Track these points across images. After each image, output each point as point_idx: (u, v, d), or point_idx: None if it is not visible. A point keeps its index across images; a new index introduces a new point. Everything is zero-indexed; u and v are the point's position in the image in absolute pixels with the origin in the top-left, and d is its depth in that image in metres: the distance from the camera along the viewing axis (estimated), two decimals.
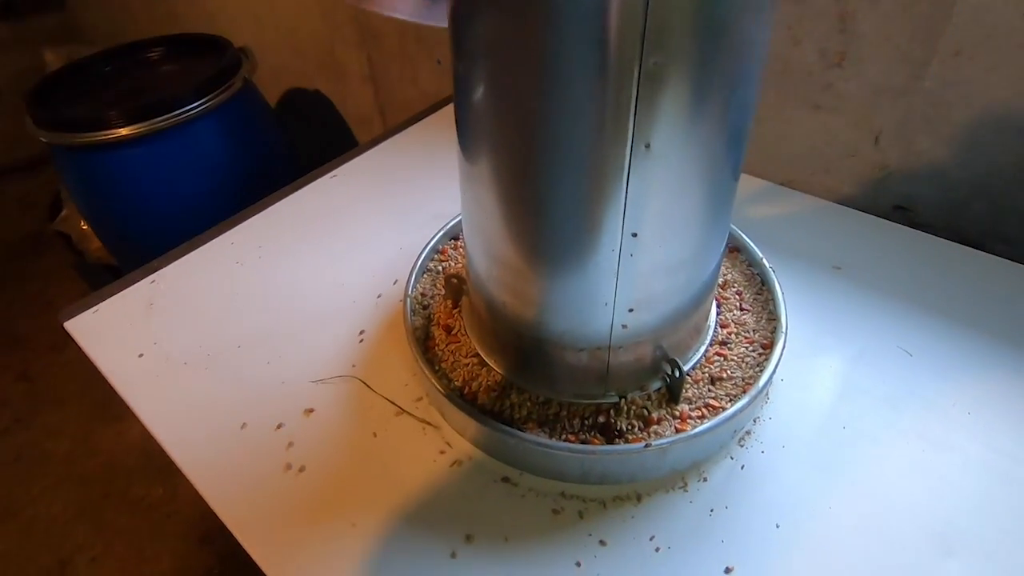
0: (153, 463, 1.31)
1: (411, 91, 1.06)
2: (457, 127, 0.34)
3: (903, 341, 0.47)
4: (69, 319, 0.54)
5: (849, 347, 0.47)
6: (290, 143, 1.14)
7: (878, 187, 0.65)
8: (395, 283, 0.55)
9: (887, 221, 0.62)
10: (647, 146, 0.27)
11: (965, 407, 0.42)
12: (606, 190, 0.29)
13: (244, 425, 0.44)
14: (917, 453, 0.40)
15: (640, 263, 0.32)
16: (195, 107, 0.91)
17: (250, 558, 0.37)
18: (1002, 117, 0.55)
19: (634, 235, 0.31)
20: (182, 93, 0.91)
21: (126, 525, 1.20)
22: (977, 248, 0.57)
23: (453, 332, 0.45)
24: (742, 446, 0.41)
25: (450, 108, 0.83)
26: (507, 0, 0.25)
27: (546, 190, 0.30)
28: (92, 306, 0.55)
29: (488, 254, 0.37)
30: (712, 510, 0.38)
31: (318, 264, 0.58)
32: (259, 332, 0.52)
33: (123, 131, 0.88)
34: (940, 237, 0.58)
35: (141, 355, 0.50)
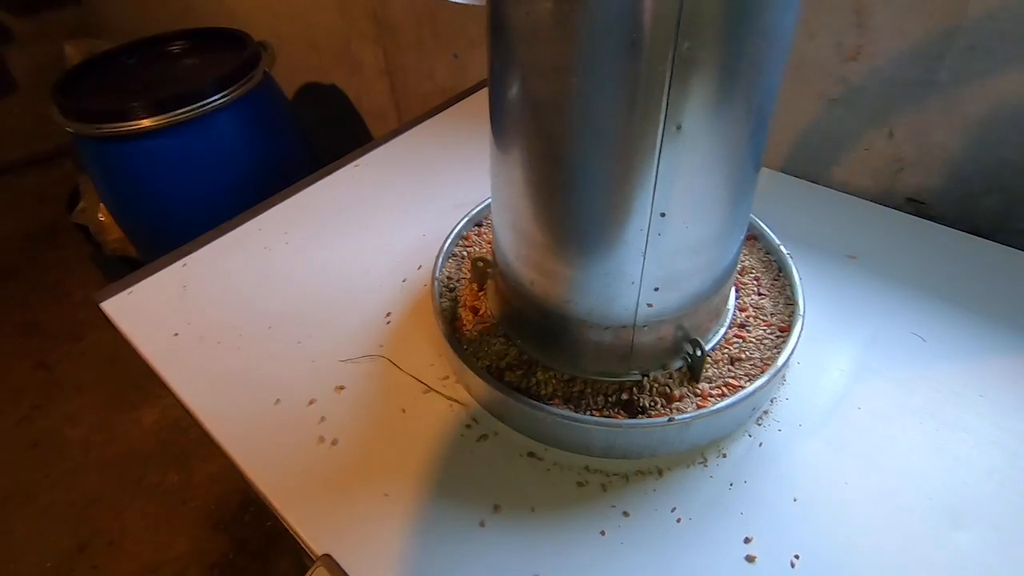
0: (169, 450, 1.33)
1: (427, 85, 1.07)
2: (491, 107, 0.36)
3: (916, 327, 0.48)
4: (105, 300, 0.56)
5: (863, 332, 0.48)
6: (306, 136, 1.16)
7: (892, 180, 0.66)
8: (419, 268, 0.57)
9: (901, 212, 0.63)
10: (678, 127, 0.29)
11: (977, 390, 0.44)
12: (637, 170, 0.30)
13: (278, 401, 0.46)
14: (930, 432, 0.41)
15: (667, 242, 0.33)
16: (216, 99, 0.93)
17: (287, 524, 0.39)
18: (1015, 111, 0.56)
19: (662, 215, 0.32)
20: (203, 86, 0.93)
21: (142, 510, 1.23)
22: (990, 239, 0.58)
23: (480, 313, 0.47)
24: (760, 424, 0.42)
25: (467, 102, 0.84)
26: None
27: (578, 170, 0.31)
28: (127, 288, 0.57)
29: (518, 233, 0.38)
30: (731, 484, 0.39)
31: (344, 249, 0.60)
32: (289, 313, 0.53)
33: (146, 122, 0.90)
34: (953, 228, 0.59)
35: (176, 334, 0.52)
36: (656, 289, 0.36)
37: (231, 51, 1.03)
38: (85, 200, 1.51)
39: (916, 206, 0.66)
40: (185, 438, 1.32)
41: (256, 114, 1.01)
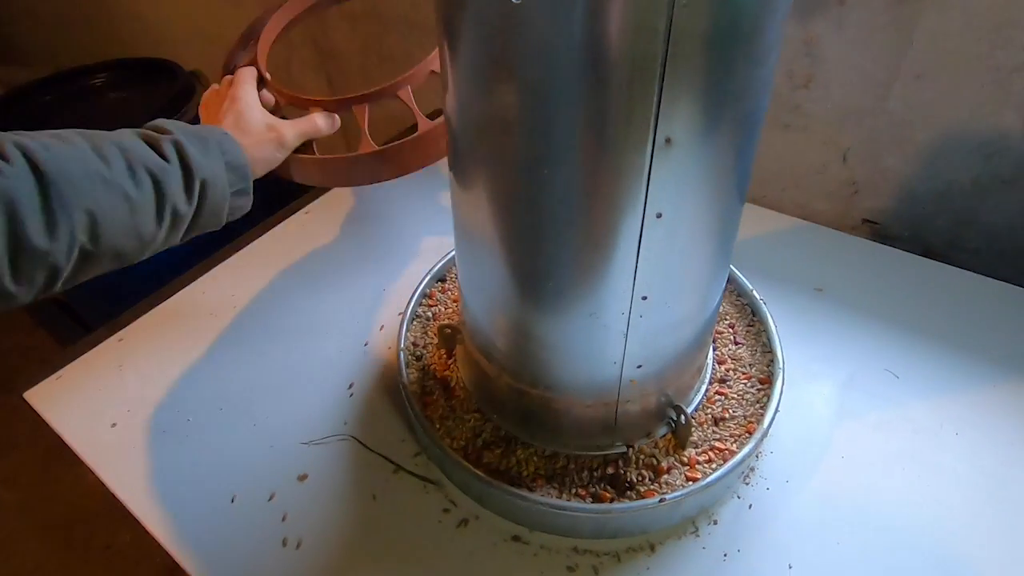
0: (118, 506, 1.24)
1: (376, 112, 1.03)
2: (454, 188, 0.33)
3: (889, 362, 0.49)
4: (30, 388, 0.50)
5: (839, 372, 0.48)
6: None
7: (847, 202, 0.67)
8: (382, 329, 0.54)
9: (860, 238, 0.64)
10: (659, 215, 0.27)
11: (952, 427, 0.44)
12: (617, 258, 0.28)
13: (234, 498, 0.42)
14: (912, 478, 0.41)
15: (649, 323, 0.32)
16: None
17: None
18: (961, 136, 0.57)
19: (644, 298, 0.30)
20: (134, 123, 0.86)
21: (92, 575, 1.14)
22: (942, 259, 0.59)
23: (451, 386, 0.44)
24: (747, 484, 0.41)
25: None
26: (506, 82, 0.24)
27: (558, 260, 0.29)
28: (55, 371, 0.51)
29: (490, 315, 0.36)
30: (725, 555, 0.38)
31: (298, 310, 0.56)
32: (241, 391, 0.49)
33: None
34: (908, 252, 0.61)
35: (114, 424, 0.47)
36: (639, 367, 0.34)
37: (161, 83, 0.96)
38: None
39: (871, 227, 0.67)
40: None
41: None
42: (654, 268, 0.29)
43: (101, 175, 0.33)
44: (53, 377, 0.51)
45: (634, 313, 0.31)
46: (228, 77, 0.52)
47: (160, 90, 0.94)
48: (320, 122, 0.50)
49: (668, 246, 0.29)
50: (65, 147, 0.33)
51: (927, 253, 0.61)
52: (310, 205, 0.68)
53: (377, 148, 0.48)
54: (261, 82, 0.53)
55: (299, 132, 0.48)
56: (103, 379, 0.51)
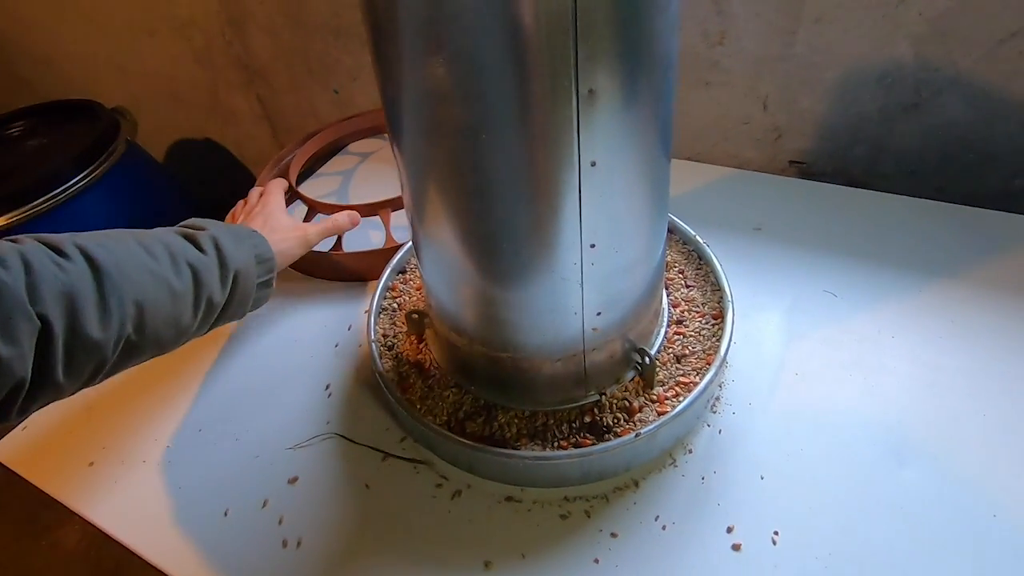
0: (102, 568, 1.20)
1: (311, 123, 1.03)
2: (402, 170, 0.34)
3: (827, 284, 0.53)
4: None
5: (783, 300, 0.52)
6: (189, 198, 1.08)
7: (773, 147, 0.71)
8: (350, 328, 0.54)
9: (790, 179, 0.68)
10: (593, 164, 0.29)
11: (889, 332, 0.48)
12: (562, 209, 0.30)
13: (227, 512, 0.42)
14: (859, 381, 0.45)
15: (601, 270, 0.34)
16: (77, 182, 0.84)
17: None
18: (863, 70, 0.62)
19: (592, 246, 0.32)
20: (59, 169, 0.83)
21: None
22: (865, 187, 0.64)
23: (426, 367, 0.45)
24: (715, 412, 0.44)
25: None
26: (433, 55, 0.26)
27: (505, 221, 0.31)
28: (20, 423, 0.50)
29: (453, 287, 0.37)
30: (703, 478, 0.41)
31: (267, 324, 0.56)
32: (219, 409, 0.49)
33: None
34: (833, 183, 0.65)
35: (91, 463, 0.46)
36: (599, 314, 0.36)
37: (83, 125, 0.93)
38: None
39: (799, 167, 0.71)
40: (120, 549, 1.19)
41: (126, 188, 0.92)
42: (597, 216, 0.31)
43: (149, 268, 0.35)
44: (19, 428, 0.50)
45: (586, 262, 0.33)
46: (257, 189, 0.56)
47: (82, 131, 0.91)
48: (342, 220, 0.54)
49: (607, 193, 0.31)
50: (116, 243, 0.35)
51: (850, 183, 0.66)
52: None
53: (396, 244, 0.57)
54: (289, 192, 0.61)
55: (321, 230, 0.52)
56: (72, 423, 0.50)
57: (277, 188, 0.55)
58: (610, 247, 0.33)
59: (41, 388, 0.31)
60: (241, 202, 0.56)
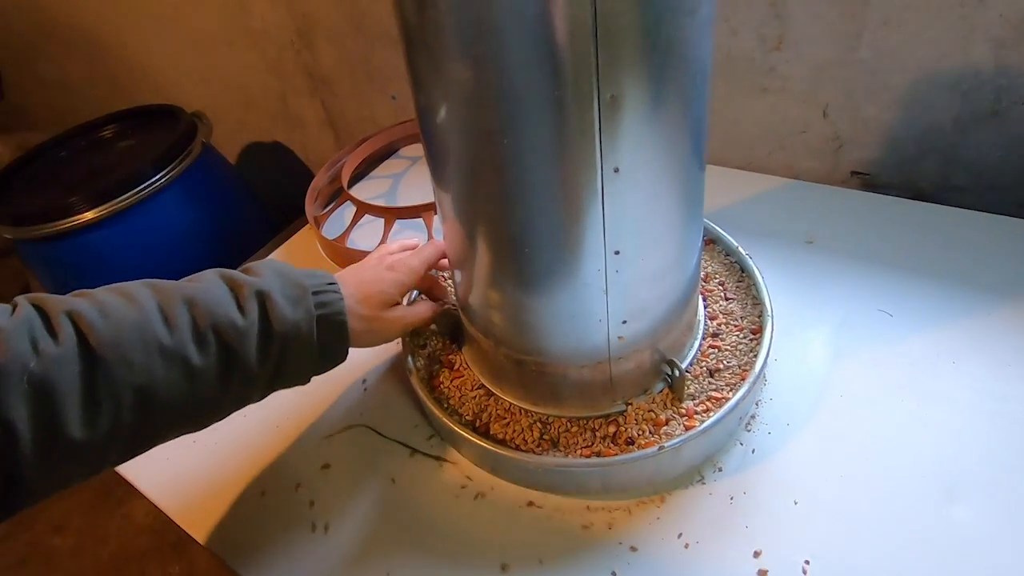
0: (165, 541, 1.28)
1: (370, 128, 1.07)
2: (432, 174, 0.35)
3: (882, 303, 0.49)
4: None
5: (832, 316, 0.49)
6: (256, 197, 1.14)
7: (834, 157, 0.67)
8: None
9: (849, 190, 0.64)
10: (616, 170, 0.29)
11: (948, 357, 0.45)
12: (584, 215, 0.30)
13: (263, 492, 0.44)
14: (912, 408, 0.42)
15: (626, 277, 0.33)
16: (157, 180, 0.91)
17: None
18: (935, 76, 0.58)
19: (616, 253, 0.32)
20: (142, 168, 0.91)
21: None
22: (934, 201, 0.60)
23: (456, 368, 0.46)
24: (749, 431, 0.42)
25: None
26: (460, 59, 0.26)
27: (527, 225, 0.31)
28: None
29: (479, 290, 0.38)
30: (732, 498, 0.39)
31: None
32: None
33: (88, 215, 0.87)
34: (899, 197, 0.61)
35: None
36: (624, 322, 0.36)
37: (165, 128, 1.01)
38: None
39: (862, 179, 0.67)
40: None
41: (200, 187, 0.99)
42: (621, 222, 0.31)
43: (160, 344, 0.30)
44: None
45: (610, 268, 0.33)
46: (405, 242, 0.47)
47: (164, 134, 0.99)
48: (427, 315, 0.45)
49: (631, 200, 0.30)
50: (127, 310, 0.30)
51: (918, 197, 0.62)
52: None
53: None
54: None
55: (406, 326, 0.43)
56: None
57: (430, 256, 0.44)
58: (635, 254, 0.32)
59: (16, 497, 0.26)
60: (397, 244, 0.47)
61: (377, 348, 0.54)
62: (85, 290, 0.31)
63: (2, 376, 0.25)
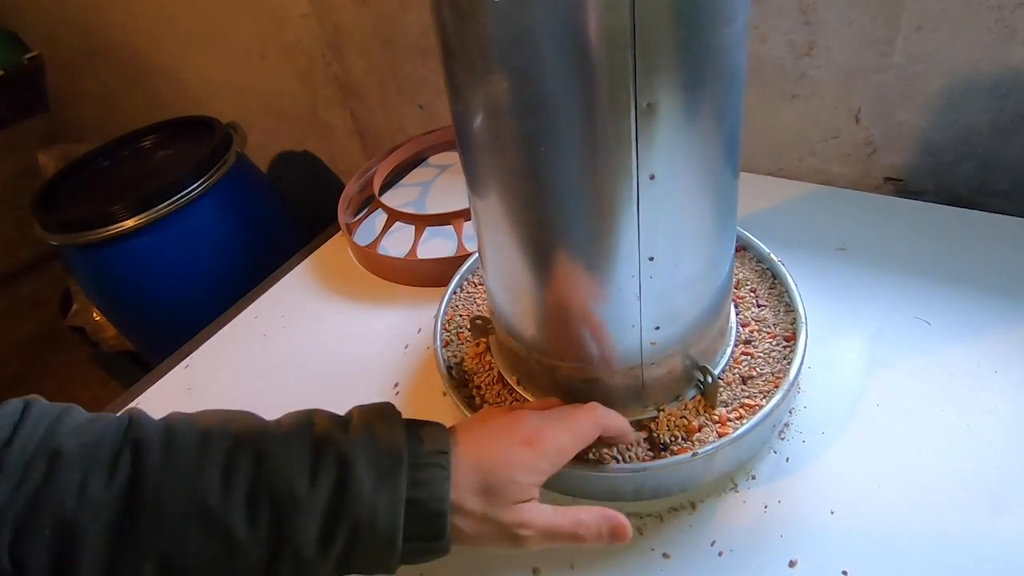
0: None
1: (398, 138, 1.09)
2: (466, 176, 0.36)
3: (919, 311, 0.49)
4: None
5: (868, 325, 0.48)
6: (288, 205, 1.17)
7: (867, 163, 0.66)
8: (419, 331, 0.57)
9: (881, 195, 0.64)
10: (652, 177, 0.29)
11: (990, 367, 0.44)
12: (619, 222, 0.30)
13: None
14: (952, 419, 0.41)
15: (660, 283, 0.33)
16: (194, 189, 0.94)
17: None
18: (971, 80, 0.57)
19: (651, 259, 0.32)
20: (180, 177, 0.94)
21: None
22: (972, 206, 0.59)
23: (487, 371, 0.47)
24: (783, 439, 0.42)
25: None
26: (499, 69, 0.27)
27: (563, 231, 0.32)
28: (131, 400, 0.56)
29: (512, 294, 0.38)
30: (766, 506, 0.39)
31: (342, 323, 0.60)
32: (296, 398, 0.53)
33: (129, 223, 0.90)
34: (934, 203, 0.60)
35: None
36: (657, 328, 0.36)
37: (202, 138, 1.05)
38: (78, 302, 1.51)
39: (895, 185, 0.66)
40: None
41: (234, 195, 1.02)
42: (656, 229, 0.31)
43: (204, 507, 0.25)
44: (132, 404, 0.56)
45: (644, 275, 0.33)
46: (564, 406, 0.35)
47: (201, 144, 1.02)
48: (588, 536, 0.32)
49: (666, 206, 0.31)
50: (189, 454, 0.25)
51: (955, 202, 0.61)
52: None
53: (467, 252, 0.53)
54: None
55: (548, 536, 0.31)
56: (174, 400, 0.56)
57: (587, 423, 0.33)
58: (669, 261, 0.33)
59: None
60: (538, 403, 0.38)
61: (409, 352, 0.55)
62: (179, 413, 0.27)
63: (38, 504, 0.22)
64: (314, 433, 0.29)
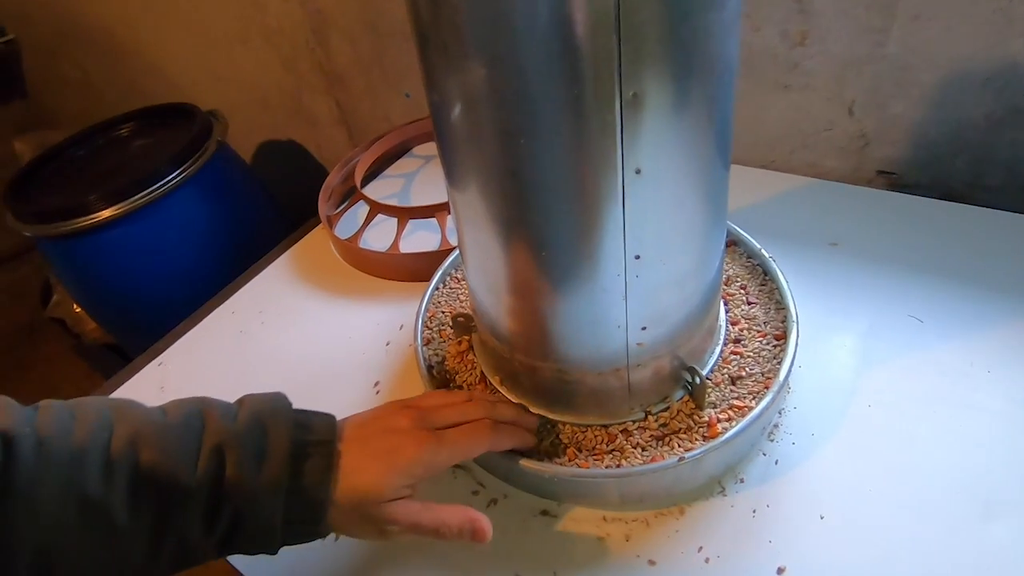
0: None
1: (384, 126, 1.06)
2: (446, 175, 0.34)
3: (911, 308, 0.48)
4: None
5: (859, 322, 0.47)
6: (271, 195, 1.14)
7: (859, 155, 0.65)
8: (401, 328, 0.55)
9: (874, 190, 0.62)
10: (638, 171, 0.27)
11: (983, 366, 0.43)
12: (604, 218, 0.29)
13: None
14: (944, 419, 0.40)
15: (646, 282, 0.32)
16: (173, 178, 0.91)
17: None
18: (967, 72, 0.55)
19: (637, 257, 0.31)
20: (158, 166, 0.91)
21: None
22: (965, 201, 0.58)
23: (469, 370, 0.45)
24: (772, 441, 0.41)
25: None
26: (475, 56, 0.25)
27: (546, 227, 0.30)
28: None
29: (495, 294, 0.37)
30: (754, 511, 0.38)
31: (322, 319, 0.58)
32: None
33: (105, 213, 0.88)
34: (926, 196, 0.59)
35: None
36: (644, 328, 0.34)
37: (181, 126, 1.02)
38: (58, 294, 1.48)
39: (888, 178, 0.65)
40: None
41: (216, 185, 0.99)
42: (642, 226, 0.30)
43: (83, 496, 0.24)
44: None
45: (629, 273, 0.31)
46: (474, 397, 0.37)
47: (180, 132, 0.99)
48: (449, 534, 0.33)
49: (653, 202, 0.29)
50: (68, 439, 0.25)
51: (948, 196, 0.60)
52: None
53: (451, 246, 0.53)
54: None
55: (412, 532, 0.32)
56: (146, 401, 0.53)
57: (502, 440, 0.35)
58: (656, 259, 0.31)
59: None
60: (442, 393, 0.39)
61: (391, 350, 0.53)
62: (55, 402, 0.27)
63: None
64: (201, 422, 0.29)
